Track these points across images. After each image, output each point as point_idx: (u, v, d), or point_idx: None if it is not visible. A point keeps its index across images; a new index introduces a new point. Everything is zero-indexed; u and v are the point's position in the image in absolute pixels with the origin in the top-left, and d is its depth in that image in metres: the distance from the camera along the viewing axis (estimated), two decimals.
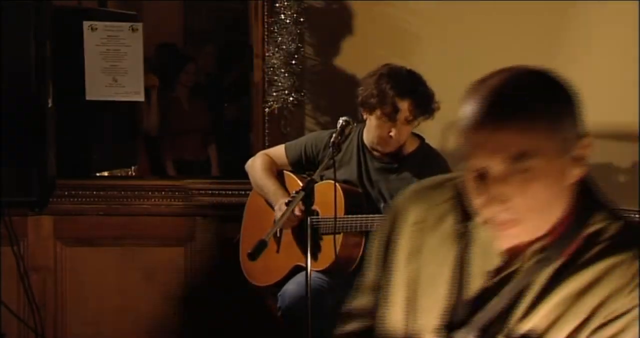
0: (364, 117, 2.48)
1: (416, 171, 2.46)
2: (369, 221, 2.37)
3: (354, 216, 2.39)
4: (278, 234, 2.58)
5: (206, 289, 3.13)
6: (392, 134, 2.39)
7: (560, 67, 1.34)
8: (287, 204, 2.37)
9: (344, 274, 2.46)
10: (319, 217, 2.47)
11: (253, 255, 2.07)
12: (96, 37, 3.04)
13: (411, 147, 2.52)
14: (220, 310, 3.11)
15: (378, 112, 2.39)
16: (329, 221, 2.41)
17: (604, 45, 2.98)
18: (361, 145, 2.54)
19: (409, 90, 2.37)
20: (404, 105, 2.36)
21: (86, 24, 3.03)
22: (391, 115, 2.36)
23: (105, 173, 3.41)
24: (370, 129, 2.46)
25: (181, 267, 3.14)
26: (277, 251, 2.59)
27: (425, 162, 2.48)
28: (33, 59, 2.53)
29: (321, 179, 2.56)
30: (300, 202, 2.20)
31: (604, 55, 2.98)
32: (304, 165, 2.63)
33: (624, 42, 2.96)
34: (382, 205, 2.49)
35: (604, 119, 2.83)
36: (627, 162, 3.04)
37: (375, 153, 2.51)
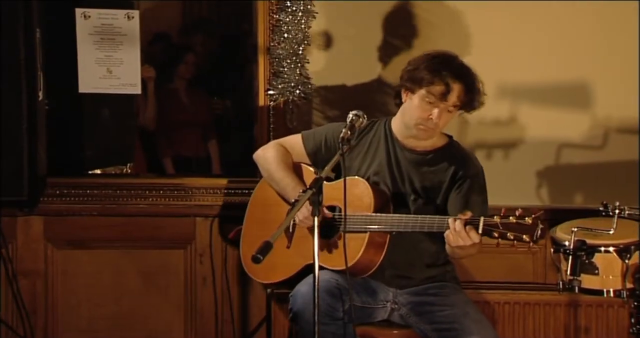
0: (404, 98, 2.47)
1: (451, 163, 2.47)
2: (403, 221, 2.36)
3: (384, 215, 2.39)
4: (291, 229, 2.54)
5: (208, 294, 3.12)
6: (432, 116, 2.40)
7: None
8: (293, 204, 2.35)
9: (359, 277, 2.44)
10: (341, 213, 2.43)
11: (257, 258, 2.04)
12: (89, 25, 3.02)
13: (442, 141, 2.54)
14: (224, 316, 3.11)
15: (423, 91, 2.40)
16: (352, 219, 2.39)
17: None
18: (390, 135, 2.54)
19: (464, 74, 2.41)
20: (456, 87, 2.39)
21: (79, 11, 3.02)
22: (441, 95, 2.37)
23: (99, 171, 3.39)
24: (409, 110, 2.45)
25: (181, 270, 3.13)
26: (288, 247, 2.56)
27: (459, 155, 2.50)
28: (21, 49, 2.52)
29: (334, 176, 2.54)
30: (308, 202, 2.18)
31: None
32: (324, 156, 2.59)
33: None
34: (411, 198, 2.48)
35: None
36: None
37: (406, 142, 2.50)
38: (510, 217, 2.20)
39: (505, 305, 3.01)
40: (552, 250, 2.53)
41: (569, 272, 2.44)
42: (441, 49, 2.51)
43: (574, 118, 3.07)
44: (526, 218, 2.19)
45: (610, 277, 2.46)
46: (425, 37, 3.05)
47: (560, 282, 2.46)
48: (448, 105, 2.40)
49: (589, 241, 2.44)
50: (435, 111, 2.40)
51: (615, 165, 3.03)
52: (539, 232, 2.19)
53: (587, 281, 2.46)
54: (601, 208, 2.51)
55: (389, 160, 2.51)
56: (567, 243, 2.44)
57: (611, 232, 2.43)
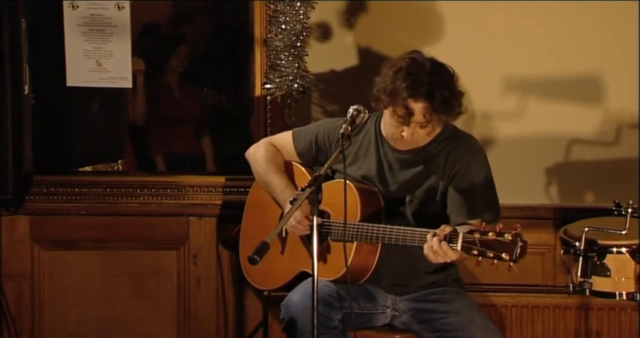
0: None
1: (445, 156, 2.42)
2: (387, 233, 2.33)
3: (371, 225, 2.35)
4: (283, 234, 2.54)
5: (202, 297, 3.11)
6: (403, 134, 2.35)
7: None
8: (291, 203, 2.34)
9: (356, 284, 2.43)
10: (331, 220, 2.44)
11: (254, 260, 2.04)
12: (78, 15, 3.00)
13: (434, 132, 2.44)
14: (218, 320, 3.09)
15: (390, 110, 2.35)
16: (340, 226, 2.38)
17: None
18: (379, 135, 2.50)
19: (427, 91, 2.30)
20: (417, 109, 2.31)
21: (66, 1, 3.00)
22: (403, 117, 2.32)
23: (88, 169, 3.38)
24: (384, 123, 2.43)
25: (174, 272, 3.12)
26: (282, 252, 2.56)
27: (454, 145, 2.43)
28: (6, 40, 2.51)
29: (333, 175, 2.53)
30: (306, 201, 2.17)
31: None
32: (314, 155, 2.58)
33: None
34: (408, 198, 2.45)
35: None
36: None
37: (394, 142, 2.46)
38: (490, 233, 2.14)
39: (513, 309, 3.00)
40: (561, 251, 2.51)
41: (579, 274, 2.42)
42: (424, 49, 2.45)
43: (585, 112, 3.06)
44: (505, 234, 2.13)
45: (623, 279, 2.45)
46: (429, 29, 3.04)
47: (571, 285, 2.45)
48: (416, 124, 2.34)
49: (601, 241, 2.43)
50: (405, 129, 2.35)
51: (628, 161, 3.02)
52: (518, 250, 2.12)
53: (599, 283, 2.45)
54: (613, 207, 2.50)
55: (380, 163, 2.47)
56: (577, 243, 2.43)
57: (624, 232, 2.42)
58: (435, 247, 2.20)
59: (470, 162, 2.41)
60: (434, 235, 2.22)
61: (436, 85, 2.31)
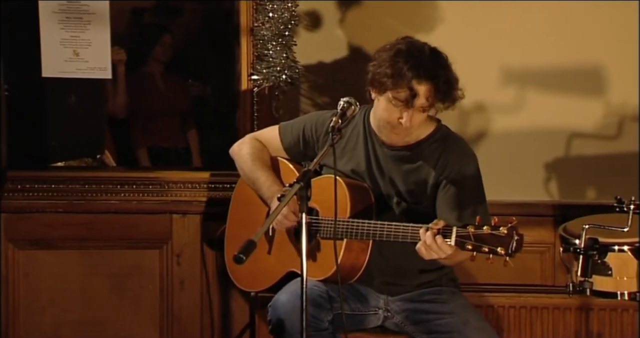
0: (373, 96, 2.42)
1: (435, 158, 2.42)
2: (378, 229, 2.32)
3: (361, 221, 2.35)
4: (270, 232, 2.53)
5: (186, 298, 3.10)
6: (402, 120, 2.34)
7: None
8: (279, 199, 2.33)
9: (346, 284, 2.42)
10: (319, 217, 2.43)
11: (240, 258, 2.02)
12: (53, 3, 2.97)
13: (426, 130, 2.45)
14: (203, 323, 3.08)
15: (389, 95, 2.32)
16: (329, 223, 2.37)
17: None
18: (368, 129, 2.49)
19: (431, 72, 2.30)
20: (422, 90, 2.30)
21: None
22: (406, 100, 2.30)
23: (65, 164, 3.35)
24: (378, 112, 2.40)
25: (156, 272, 3.11)
26: (269, 252, 2.55)
27: (445, 148, 2.43)
28: None
29: (321, 169, 2.52)
30: (295, 198, 2.16)
31: None
32: (302, 150, 2.57)
33: None
34: (395, 199, 2.45)
35: None
36: None
37: (384, 137, 2.44)
38: (485, 227, 2.14)
39: (511, 310, 3.01)
40: (561, 249, 2.52)
41: (579, 273, 2.43)
42: (419, 37, 2.43)
43: (586, 105, 3.06)
44: (501, 228, 2.13)
45: (625, 279, 2.45)
46: (424, 17, 3.03)
47: (571, 284, 2.45)
48: (417, 108, 2.32)
49: (602, 239, 2.42)
50: (405, 114, 2.33)
51: (631, 156, 3.02)
52: (514, 244, 2.12)
53: (600, 283, 2.45)
54: (615, 204, 2.50)
55: (368, 158, 2.46)
56: (577, 241, 2.43)
57: (626, 230, 2.42)
58: (429, 242, 2.19)
59: (461, 168, 2.41)
60: (427, 229, 2.21)
61: (438, 67, 2.33)
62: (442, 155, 2.41)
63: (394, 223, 2.31)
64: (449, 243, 2.18)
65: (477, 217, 2.19)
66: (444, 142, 2.44)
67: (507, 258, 2.13)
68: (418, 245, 2.23)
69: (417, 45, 2.35)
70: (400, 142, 2.43)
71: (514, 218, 2.16)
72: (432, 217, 2.37)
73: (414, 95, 2.30)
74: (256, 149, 2.60)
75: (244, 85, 3.05)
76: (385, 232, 2.32)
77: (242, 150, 2.62)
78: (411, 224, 2.28)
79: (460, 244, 2.17)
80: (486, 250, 2.14)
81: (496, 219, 2.16)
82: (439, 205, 2.40)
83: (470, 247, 2.16)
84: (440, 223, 2.21)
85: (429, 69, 2.30)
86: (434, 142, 2.44)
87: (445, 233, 2.19)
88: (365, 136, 2.48)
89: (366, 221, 2.35)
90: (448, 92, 2.33)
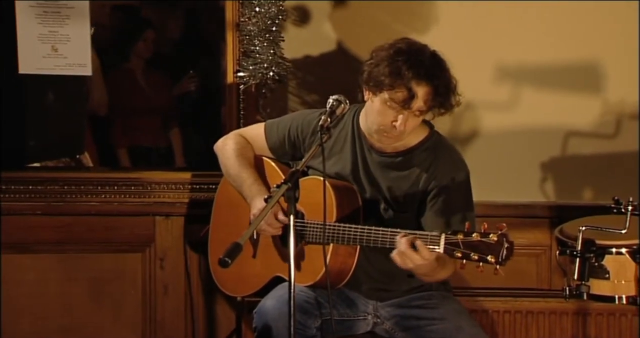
0: (366, 97, 2.40)
1: (425, 167, 2.41)
2: (365, 234, 2.31)
3: (348, 226, 2.34)
4: (255, 235, 2.53)
5: (169, 304, 3.09)
6: (396, 123, 2.32)
7: None
8: (266, 200, 2.33)
9: (334, 289, 2.42)
10: (305, 221, 2.43)
11: (225, 262, 2.01)
12: None
13: (418, 136, 2.44)
14: (187, 329, 3.08)
15: (386, 95, 2.31)
16: (315, 227, 2.37)
17: None
18: (357, 131, 2.47)
19: (431, 74, 2.29)
20: (420, 92, 2.29)
21: None
22: (403, 102, 2.29)
23: (41, 164, 3.33)
24: (371, 113, 2.39)
25: (138, 277, 3.10)
26: (254, 256, 2.54)
27: (436, 156, 2.42)
28: None
29: (307, 171, 2.52)
30: (282, 199, 2.16)
31: None
32: (287, 151, 2.56)
33: None
34: (382, 206, 2.44)
35: None
36: None
37: (374, 141, 2.44)
38: (474, 234, 2.13)
39: (506, 315, 3.02)
40: (557, 252, 2.52)
41: (576, 277, 2.43)
42: (412, 34, 2.46)
43: (583, 103, 3.08)
44: (490, 235, 2.12)
45: (623, 282, 2.47)
46: (414, 11, 3.04)
47: (567, 288, 2.46)
48: (413, 111, 2.31)
49: (599, 241, 2.44)
50: (400, 117, 2.32)
51: (629, 155, 3.04)
52: (505, 251, 2.11)
53: (597, 286, 2.46)
54: (612, 205, 2.51)
55: (355, 162, 2.45)
56: (574, 244, 2.44)
57: (623, 232, 2.43)
58: (403, 248, 2.17)
59: (451, 179, 2.40)
60: (403, 236, 2.19)
61: (439, 69, 2.32)
62: (433, 165, 2.40)
63: (381, 229, 2.30)
64: (436, 250, 2.18)
65: (467, 223, 2.19)
66: (435, 150, 2.43)
67: (498, 266, 2.13)
68: (393, 253, 2.21)
69: (417, 46, 2.35)
70: (390, 147, 2.43)
71: (504, 224, 2.15)
72: (418, 226, 2.37)
73: (411, 96, 2.28)
74: (241, 145, 2.59)
75: (230, 82, 3.05)
76: (372, 238, 2.31)
77: (226, 145, 2.61)
78: (390, 229, 2.27)
79: (449, 252, 2.16)
80: (476, 258, 2.14)
81: (485, 225, 2.16)
82: (427, 214, 2.40)
83: (459, 254, 2.16)
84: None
85: (429, 70, 2.29)
86: (425, 150, 2.43)
87: (433, 240, 2.18)
88: (353, 139, 2.47)
89: (352, 226, 2.34)
90: (447, 96, 2.32)
